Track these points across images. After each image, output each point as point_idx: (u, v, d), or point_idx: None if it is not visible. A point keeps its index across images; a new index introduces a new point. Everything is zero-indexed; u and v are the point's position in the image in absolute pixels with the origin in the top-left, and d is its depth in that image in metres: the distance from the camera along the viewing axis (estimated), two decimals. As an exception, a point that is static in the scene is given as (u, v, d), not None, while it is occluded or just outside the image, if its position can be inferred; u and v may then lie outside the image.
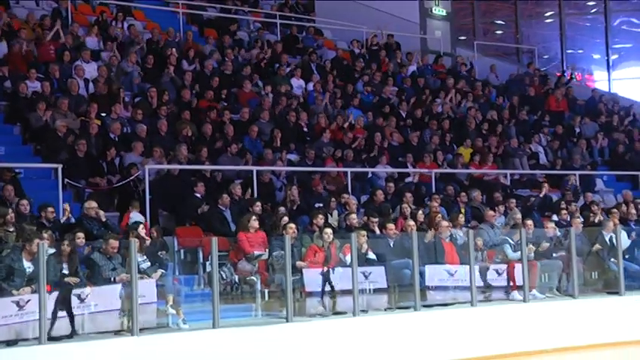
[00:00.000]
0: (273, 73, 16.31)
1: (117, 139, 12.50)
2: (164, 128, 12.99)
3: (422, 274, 9.75)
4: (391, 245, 10.42)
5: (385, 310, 9.70)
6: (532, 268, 10.31)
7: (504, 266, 10.44)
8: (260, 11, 19.35)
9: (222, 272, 9.16)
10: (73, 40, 14.50)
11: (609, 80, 25.07)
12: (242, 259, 9.86)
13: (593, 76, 25.50)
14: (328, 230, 9.85)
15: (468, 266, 9.91)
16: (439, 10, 21.83)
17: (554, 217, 12.83)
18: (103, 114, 12.89)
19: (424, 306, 9.63)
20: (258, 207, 11.09)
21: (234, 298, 9.58)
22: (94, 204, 10.11)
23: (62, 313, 7.63)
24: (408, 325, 9.36)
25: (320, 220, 10.66)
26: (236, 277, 9.60)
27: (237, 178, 12.55)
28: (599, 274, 11.26)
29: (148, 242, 9.29)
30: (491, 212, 12.12)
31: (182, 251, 10.74)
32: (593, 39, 25.64)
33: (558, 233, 11.09)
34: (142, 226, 9.44)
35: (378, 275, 9.74)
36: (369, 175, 14.14)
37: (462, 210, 12.76)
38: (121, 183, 11.41)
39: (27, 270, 7.83)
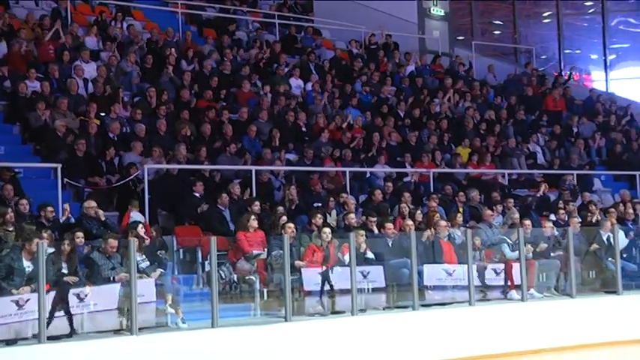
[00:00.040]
0: (272, 73, 16.33)
1: (116, 138, 12.51)
2: (163, 128, 13.01)
3: (420, 274, 9.75)
4: (389, 245, 10.44)
5: (384, 309, 9.72)
6: (530, 268, 10.33)
7: (502, 266, 10.47)
8: (259, 11, 19.37)
9: (221, 272, 9.17)
10: (73, 40, 14.51)
11: (607, 80, 25.11)
12: (241, 258, 9.88)
13: (590, 76, 25.54)
14: (327, 230, 9.88)
15: (466, 266, 9.93)
16: (437, 11, 21.86)
17: (552, 217, 12.86)
18: (103, 114, 12.91)
19: (422, 305, 9.65)
20: (256, 206, 11.11)
21: (233, 297, 9.58)
22: (93, 203, 10.12)
23: (60, 313, 7.64)
24: (407, 324, 9.36)
25: (318, 219, 10.70)
26: (235, 277, 9.61)
27: (235, 177, 12.57)
28: (597, 274, 11.28)
29: (147, 242, 9.30)
30: (489, 212, 12.15)
31: (181, 251, 10.75)
32: (591, 39, 25.68)
33: (556, 233, 11.12)
34: (141, 225, 9.46)
35: (376, 275, 9.76)
36: (368, 174, 14.17)
37: (460, 209, 12.79)
38: (120, 183, 11.42)
39: (26, 269, 7.83)
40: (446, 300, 10.07)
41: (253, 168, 12.51)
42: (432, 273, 10.16)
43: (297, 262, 9.48)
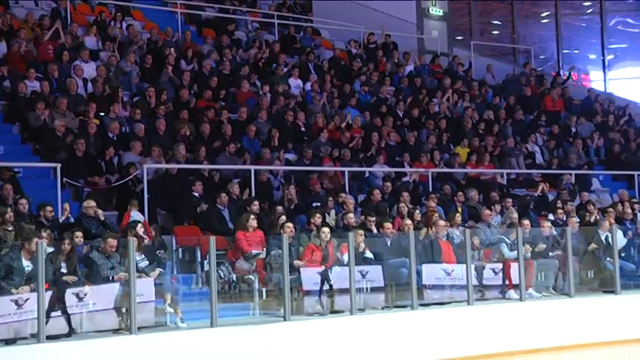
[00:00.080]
0: (271, 72, 16.35)
1: (115, 138, 12.53)
2: (162, 128, 13.03)
3: (419, 273, 9.75)
4: (388, 244, 10.45)
5: (382, 308, 9.73)
6: (528, 267, 10.34)
7: (500, 265, 10.48)
8: (258, 11, 19.39)
9: (220, 271, 9.19)
10: (72, 40, 14.53)
11: (605, 80, 25.15)
12: (240, 258, 9.89)
13: (589, 76, 25.57)
14: (326, 229, 9.89)
15: (464, 265, 9.95)
16: (436, 11, 21.87)
17: (551, 217, 12.88)
18: (102, 113, 12.93)
19: (421, 305, 9.65)
20: (255, 206, 11.12)
21: (231, 296, 9.59)
22: (92, 203, 10.14)
23: (57, 312, 7.65)
24: (405, 323, 9.37)
25: (317, 219, 10.71)
26: (234, 276, 9.63)
27: (235, 177, 12.58)
28: (595, 273, 11.29)
29: (146, 241, 9.32)
30: (487, 211, 12.16)
31: (180, 250, 10.78)
32: (589, 39, 25.72)
33: (554, 232, 11.14)
34: (140, 225, 9.48)
35: (375, 274, 9.76)
36: (367, 174, 14.19)
37: (459, 209, 12.79)
38: (119, 182, 11.44)
39: (26, 269, 7.84)
40: (444, 299, 10.08)
41: (252, 168, 12.53)
42: (431, 272, 10.16)
43: (296, 262, 9.49)
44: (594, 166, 17.23)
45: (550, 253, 10.87)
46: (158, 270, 8.79)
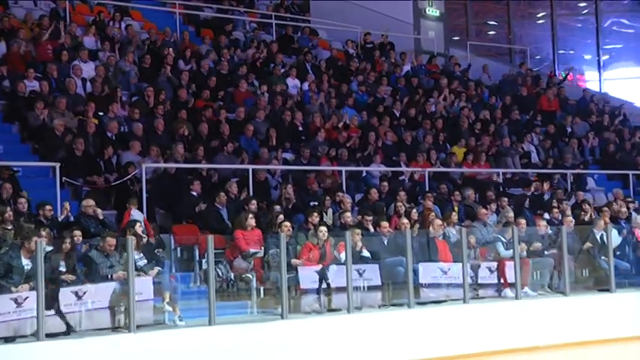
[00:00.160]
0: (269, 72, 16.40)
1: (114, 138, 12.56)
2: (161, 127, 13.06)
3: (415, 272, 9.82)
4: (385, 243, 10.50)
5: (379, 307, 9.76)
6: (524, 266, 10.39)
7: (496, 264, 10.55)
8: (256, 12, 19.44)
9: (218, 270, 9.24)
10: (71, 40, 14.57)
11: (600, 80, 25.21)
12: (238, 256, 9.94)
13: (584, 77, 25.65)
14: (323, 228, 9.96)
15: (461, 264, 10.01)
16: (432, 11, 21.92)
17: (546, 216, 12.94)
18: (101, 113, 12.96)
19: (418, 303, 9.68)
20: (253, 205, 11.17)
21: (229, 295, 9.63)
22: (91, 202, 10.19)
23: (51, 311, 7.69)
24: (402, 322, 9.42)
25: (315, 218, 10.77)
26: (232, 275, 9.68)
27: (233, 176, 12.64)
28: (590, 272, 11.33)
29: (144, 240, 9.38)
30: (483, 210, 12.21)
31: (178, 249, 10.80)
32: (585, 39, 25.78)
33: (550, 231, 11.20)
34: (139, 224, 9.53)
35: (372, 273, 9.82)
36: (364, 173, 14.24)
37: (456, 208, 12.87)
38: (118, 182, 11.48)
39: (25, 267, 7.87)
40: (441, 298, 10.11)
41: (250, 167, 12.58)
42: (427, 271, 10.21)
43: (294, 261, 9.54)
44: (589, 165, 17.30)
45: (545, 252, 10.92)
46: (157, 269, 8.82)
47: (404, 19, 21.02)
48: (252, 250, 9.92)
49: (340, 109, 15.95)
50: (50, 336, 7.52)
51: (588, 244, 11.24)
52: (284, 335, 8.64)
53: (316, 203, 12.17)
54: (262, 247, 9.93)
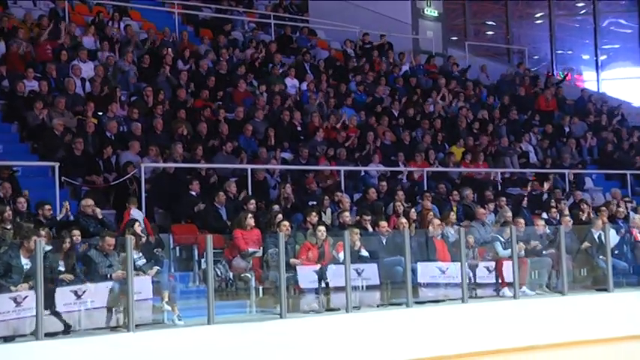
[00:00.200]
0: (268, 72, 16.42)
1: (113, 137, 12.58)
2: (160, 127, 13.07)
3: (414, 271, 9.86)
4: (384, 243, 10.54)
5: (378, 306, 9.81)
6: (522, 265, 10.43)
7: (494, 263, 10.58)
8: (254, 12, 19.46)
9: (217, 269, 9.27)
10: (70, 40, 14.59)
11: (598, 80, 25.24)
12: (237, 256, 9.97)
13: (582, 77, 25.69)
14: (322, 228, 9.99)
15: (459, 263, 10.04)
16: (431, 11, 21.96)
17: (544, 215, 12.97)
18: (100, 113, 12.98)
19: (416, 302, 9.72)
20: (252, 205, 11.20)
21: (228, 294, 9.67)
22: (90, 202, 10.20)
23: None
24: (400, 321, 9.45)
25: (313, 217, 10.79)
26: (231, 274, 9.71)
27: (232, 176, 12.66)
28: (588, 271, 11.38)
29: (143, 239, 9.40)
30: (482, 210, 12.23)
31: (177, 248, 10.84)
32: (582, 40, 25.81)
33: (548, 231, 11.23)
34: (138, 223, 9.55)
35: (370, 272, 9.87)
36: (362, 173, 14.27)
37: (454, 208, 12.89)
38: (117, 181, 11.50)
39: (24, 267, 7.88)
40: (439, 297, 10.16)
41: (249, 167, 12.61)
42: (426, 271, 10.26)
43: (292, 260, 9.57)
44: (587, 165, 17.34)
45: (544, 252, 10.96)
46: (156, 268, 8.84)
47: (402, 19, 21.06)
48: (251, 250, 9.96)
49: (339, 108, 15.98)
50: (49, 335, 7.53)
51: (586, 244, 11.28)
52: (283, 334, 8.66)
53: (315, 203, 12.19)
54: (261, 247, 9.97)
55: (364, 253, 10.08)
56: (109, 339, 7.88)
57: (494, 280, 10.58)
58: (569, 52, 25.99)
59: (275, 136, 14.03)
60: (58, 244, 8.46)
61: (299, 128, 14.89)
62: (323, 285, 9.33)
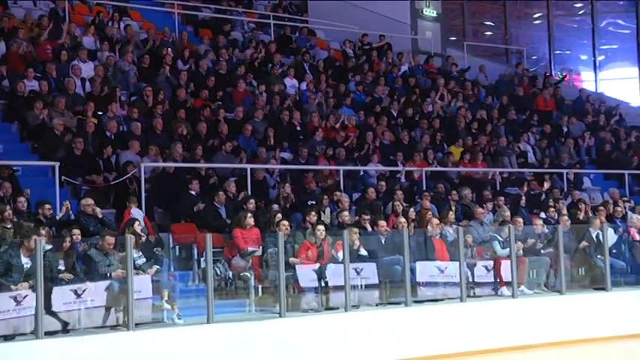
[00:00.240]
0: (267, 72, 16.44)
1: (113, 137, 12.59)
2: (160, 127, 13.09)
3: (413, 271, 9.89)
4: (382, 242, 10.56)
5: (377, 305, 9.85)
6: (520, 265, 10.47)
7: (492, 263, 10.61)
8: (254, 12, 19.48)
9: (216, 268, 9.30)
10: (70, 40, 14.61)
11: (596, 80, 25.28)
12: (236, 255, 10.00)
13: (580, 77, 25.73)
14: (321, 227, 10.02)
15: (457, 262, 10.08)
16: (430, 12, 21.99)
17: (542, 215, 13.01)
18: (100, 112, 13.00)
19: (415, 301, 9.77)
20: (252, 204, 11.23)
21: (228, 293, 9.69)
22: (90, 201, 10.22)
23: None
24: (399, 320, 9.50)
25: (313, 217, 10.82)
26: (230, 273, 9.74)
27: (231, 176, 12.69)
28: (586, 271, 11.43)
29: (143, 238, 9.43)
30: (480, 209, 12.26)
31: (177, 247, 10.84)
32: (581, 40, 25.84)
33: (546, 230, 11.27)
34: (137, 222, 9.58)
35: (369, 271, 9.89)
36: (361, 173, 14.30)
37: (453, 208, 12.92)
38: (117, 181, 11.53)
39: (24, 266, 7.92)
40: (438, 296, 10.20)
41: (248, 166, 12.64)
42: (425, 270, 10.30)
43: (292, 259, 9.61)
44: (585, 165, 17.38)
45: (542, 251, 11.00)
46: (155, 267, 8.86)
47: (401, 19, 21.09)
48: (250, 249, 9.99)
49: (338, 108, 16.00)
50: (49, 334, 7.57)
51: (584, 243, 11.32)
52: (282, 333, 8.71)
53: (314, 202, 12.22)
54: (260, 246, 9.99)
55: (363, 252, 10.11)
56: (109, 338, 7.93)
57: (492, 280, 10.61)
58: (568, 52, 26.03)
59: (274, 135, 14.06)
60: (58, 244, 8.49)
61: (298, 128, 14.92)
62: (322, 284, 9.36)
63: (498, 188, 14.70)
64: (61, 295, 7.96)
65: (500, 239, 10.62)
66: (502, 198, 13.50)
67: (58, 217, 10.05)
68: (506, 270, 10.41)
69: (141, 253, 8.93)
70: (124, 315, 8.08)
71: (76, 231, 9.01)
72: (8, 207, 9.47)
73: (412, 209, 12.23)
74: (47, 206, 9.90)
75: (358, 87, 17.23)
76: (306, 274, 9.48)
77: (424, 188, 13.82)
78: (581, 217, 12.78)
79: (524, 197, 13.86)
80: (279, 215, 10.61)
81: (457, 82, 18.85)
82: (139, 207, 10.90)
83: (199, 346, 8.21)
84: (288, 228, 10.09)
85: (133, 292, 7.97)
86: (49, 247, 8.23)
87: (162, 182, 11.84)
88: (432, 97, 17.61)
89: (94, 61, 14.40)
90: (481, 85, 19.52)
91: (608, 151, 17.70)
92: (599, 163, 17.46)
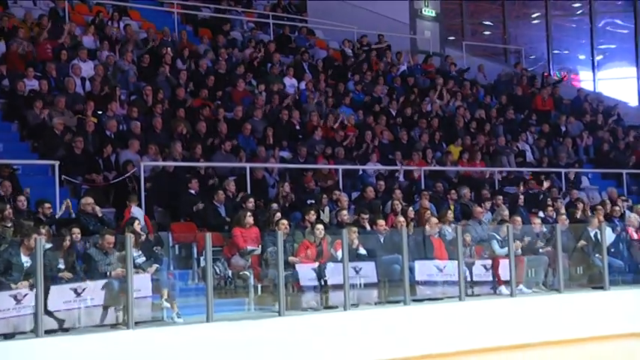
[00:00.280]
0: (266, 72, 16.46)
1: (113, 136, 12.61)
2: (159, 126, 13.11)
3: (411, 270, 9.91)
4: (381, 241, 10.59)
5: (375, 304, 9.88)
6: (519, 264, 10.49)
7: (491, 262, 10.64)
8: (253, 11, 19.49)
9: (216, 267, 9.32)
10: (70, 40, 14.62)
11: (594, 80, 25.30)
12: (236, 254, 10.03)
13: (578, 76, 25.76)
14: (320, 226, 10.05)
15: (456, 261, 10.11)
16: (428, 11, 22.02)
17: (541, 214, 13.02)
18: (100, 112, 13.02)
19: (414, 300, 9.81)
20: (251, 203, 11.25)
21: (227, 292, 9.70)
22: (90, 200, 10.24)
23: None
24: (398, 319, 9.53)
25: (312, 216, 10.84)
26: (229, 272, 9.76)
27: (230, 175, 12.71)
28: (585, 270, 11.44)
29: (143, 237, 9.45)
30: (479, 209, 12.27)
31: (177, 246, 10.86)
32: (579, 40, 25.87)
33: (544, 229, 11.30)
34: (137, 221, 9.61)
35: (368, 270, 9.92)
36: (360, 172, 14.33)
37: (451, 207, 12.95)
38: (117, 180, 11.55)
39: (25, 265, 7.94)
40: (437, 295, 10.23)
41: (248, 165, 12.66)
42: (423, 269, 10.33)
43: (291, 258, 9.63)
44: (583, 164, 17.42)
45: (540, 250, 11.03)
46: (155, 266, 8.89)
47: (400, 19, 21.12)
48: (249, 248, 10.00)
49: (337, 108, 16.03)
50: (49, 332, 7.60)
51: (582, 242, 11.35)
52: (281, 332, 8.74)
53: (313, 201, 12.25)
54: (260, 245, 10.01)
55: (362, 251, 10.13)
56: (109, 336, 7.95)
57: (491, 278, 10.64)
58: (566, 52, 26.05)
59: (273, 135, 14.08)
60: (58, 242, 8.52)
61: (297, 127, 14.94)
62: (321, 283, 9.39)
63: (497, 187, 14.73)
64: (61, 294, 7.98)
65: (499, 238, 10.64)
66: (500, 197, 13.55)
67: (58, 216, 10.07)
68: (504, 269, 10.44)
69: (141, 252, 8.95)
70: (123, 314, 8.10)
71: (76, 230, 9.04)
72: (8, 206, 9.49)
73: (411, 208, 12.26)
74: (47, 205, 9.93)
75: (357, 86, 17.25)
76: (306, 273, 9.51)
77: (423, 187, 13.85)
78: (579, 217, 12.81)
79: (522, 196, 13.89)
80: (279, 214, 10.65)
81: (456, 82, 18.87)
82: (139, 206, 10.92)
83: (199, 344, 8.23)
84: (288, 227, 10.11)
85: (132, 290, 7.98)
86: (49, 245, 8.24)
87: (162, 181, 11.87)
88: (431, 97, 17.64)
89: (94, 61, 14.41)
90: (480, 84, 19.54)
91: (606, 150, 17.74)
92: (598, 162, 17.50)
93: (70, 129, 12.21)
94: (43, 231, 8.53)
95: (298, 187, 12.88)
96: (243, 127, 13.98)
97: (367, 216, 11.30)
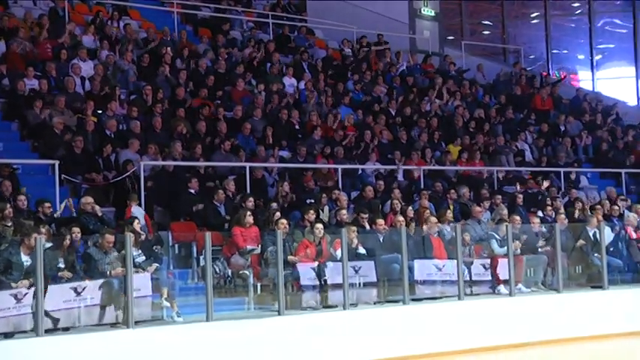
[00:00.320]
0: (266, 71, 16.47)
1: (113, 135, 12.63)
2: (159, 125, 13.12)
3: (411, 269, 9.93)
4: (381, 240, 10.60)
5: (375, 303, 9.89)
6: (518, 263, 10.51)
7: (490, 261, 10.66)
8: (253, 11, 19.50)
9: (215, 266, 9.35)
10: (70, 39, 14.63)
11: (593, 80, 25.33)
12: (235, 253, 10.04)
13: (577, 76, 25.79)
14: (319, 225, 10.06)
15: (455, 261, 10.13)
16: (428, 11, 22.04)
17: (540, 213, 13.06)
18: (99, 111, 13.03)
19: (413, 300, 9.82)
20: (250, 203, 11.27)
21: (227, 291, 9.72)
22: (90, 199, 10.25)
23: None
24: (397, 318, 9.54)
25: (311, 215, 10.85)
26: (229, 271, 9.79)
27: (230, 174, 12.73)
28: (583, 269, 11.44)
29: (142, 237, 9.47)
30: (478, 208, 12.27)
31: (176, 246, 10.87)
32: (578, 39, 25.89)
33: (543, 229, 11.32)
34: (137, 221, 9.63)
35: (367, 270, 9.93)
36: (359, 171, 14.35)
37: (450, 206, 12.97)
38: (117, 179, 11.57)
39: (25, 264, 7.96)
40: (436, 294, 10.25)
41: (247, 165, 12.68)
42: (422, 268, 10.34)
43: (290, 258, 9.65)
44: (582, 163, 17.44)
45: (539, 249, 11.05)
46: (155, 265, 8.89)
47: (399, 18, 21.14)
48: (249, 247, 10.02)
49: (336, 107, 16.05)
50: (49, 331, 7.61)
51: (581, 242, 11.35)
52: (281, 331, 8.75)
53: (312, 201, 12.26)
54: (259, 244, 10.03)
55: (361, 250, 10.14)
56: (109, 335, 7.96)
57: (490, 278, 10.66)
58: (565, 51, 26.07)
59: (273, 134, 14.09)
60: (58, 242, 8.53)
61: (297, 127, 14.95)
62: (321, 282, 9.41)
63: (496, 187, 14.76)
64: (61, 293, 8.00)
65: (498, 238, 10.66)
66: (499, 197, 13.56)
67: (58, 214, 10.09)
68: (503, 268, 10.46)
69: (140, 251, 8.97)
70: (123, 313, 8.11)
71: (76, 229, 9.05)
72: (8, 205, 9.50)
73: (410, 208, 12.27)
74: (47, 204, 9.94)
75: (356, 86, 17.27)
76: (305, 273, 9.52)
77: (422, 187, 13.87)
78: (578, 216, 12.83)
79: (521, 196, 13.91)
80: (278, 214, 10.66)
81: (455, 82, 18.88)
82: (139, 205, 10.94)
83: (199, 343, 8.25)
84: (287, 226, 10.12)
85: (132, 290, 7.99)
86: (48, 245, 8.25)
87: (162, 181, 11.88)
88: (430, 96, 17.65)
89: (94, 60, 14.42)
90: (479, 84, 19.57)
91: (605, 150, 17.76)
92: (596, 161, 17.53)
93: (70, 128, 12.22)
94: (43, 230, 8.55)
95: (298, 187, 12.90)
96: (243, 127, 13.99)
97: (366, 215, 11.32)
